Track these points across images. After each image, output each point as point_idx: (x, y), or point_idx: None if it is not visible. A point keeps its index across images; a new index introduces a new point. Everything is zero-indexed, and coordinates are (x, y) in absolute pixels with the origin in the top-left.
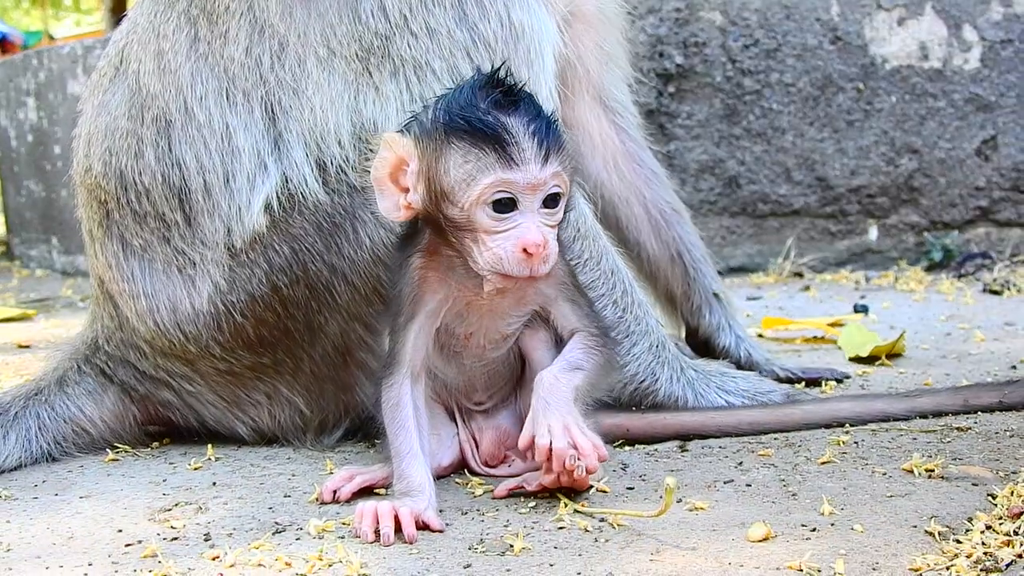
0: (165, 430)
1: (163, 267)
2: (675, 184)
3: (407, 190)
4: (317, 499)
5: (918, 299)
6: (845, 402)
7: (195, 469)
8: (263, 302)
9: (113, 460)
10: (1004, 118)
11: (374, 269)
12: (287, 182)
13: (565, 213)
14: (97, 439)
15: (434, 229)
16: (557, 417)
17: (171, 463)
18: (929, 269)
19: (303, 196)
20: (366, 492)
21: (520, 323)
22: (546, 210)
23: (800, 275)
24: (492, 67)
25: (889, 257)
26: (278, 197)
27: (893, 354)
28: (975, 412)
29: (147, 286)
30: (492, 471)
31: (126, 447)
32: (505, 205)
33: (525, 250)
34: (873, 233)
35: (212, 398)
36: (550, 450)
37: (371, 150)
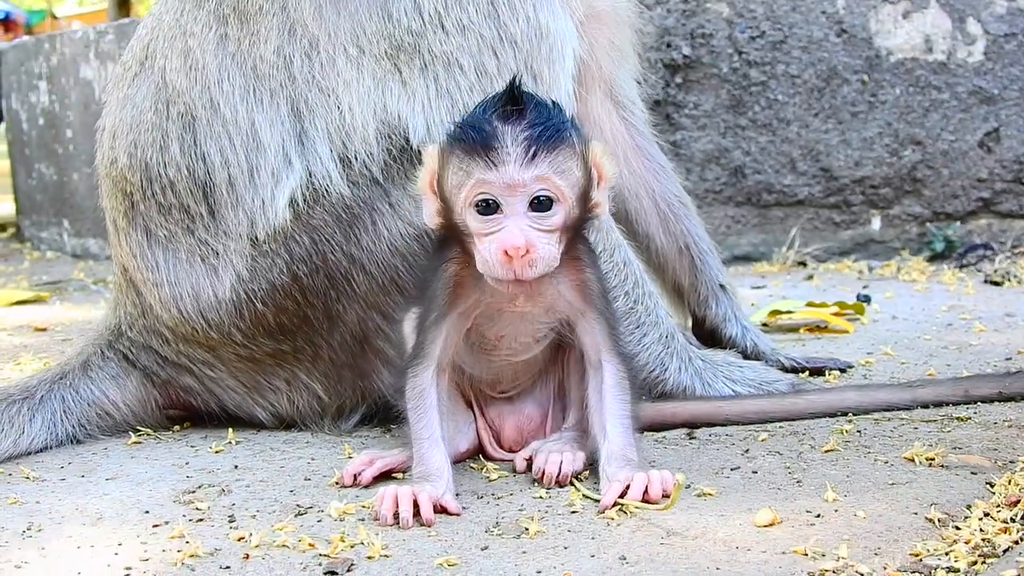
0: (186, 414)
1: (186, 256)
2: (681, 174)
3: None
4: (338, 483)
5: (920, 289)
6: (849, 392)
7: (217, 452)
8: (283, 291)
9: (136, 443)
10: (1007, 111)
11: (391, 260)
12: (311, 177)
13: (588, 219)
14: (120, 422)
15: (453, 232)
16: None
17: (193, 446)
18: (931, 259)
19: (326, 190)
20: (385, 476)
21: (549, 329)
22: (535, 214)
23: (804, 264)
24: (514, 74)
25: (892, 247)
26: (302, 191)
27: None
28: (975, 403)
29: (170, 275)
30: (512, 456)
31: (148, 430)
32: (489, 207)
33: (506, 252)
34: (876, 223)
35: (232, 383)
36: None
37: (393, 147)
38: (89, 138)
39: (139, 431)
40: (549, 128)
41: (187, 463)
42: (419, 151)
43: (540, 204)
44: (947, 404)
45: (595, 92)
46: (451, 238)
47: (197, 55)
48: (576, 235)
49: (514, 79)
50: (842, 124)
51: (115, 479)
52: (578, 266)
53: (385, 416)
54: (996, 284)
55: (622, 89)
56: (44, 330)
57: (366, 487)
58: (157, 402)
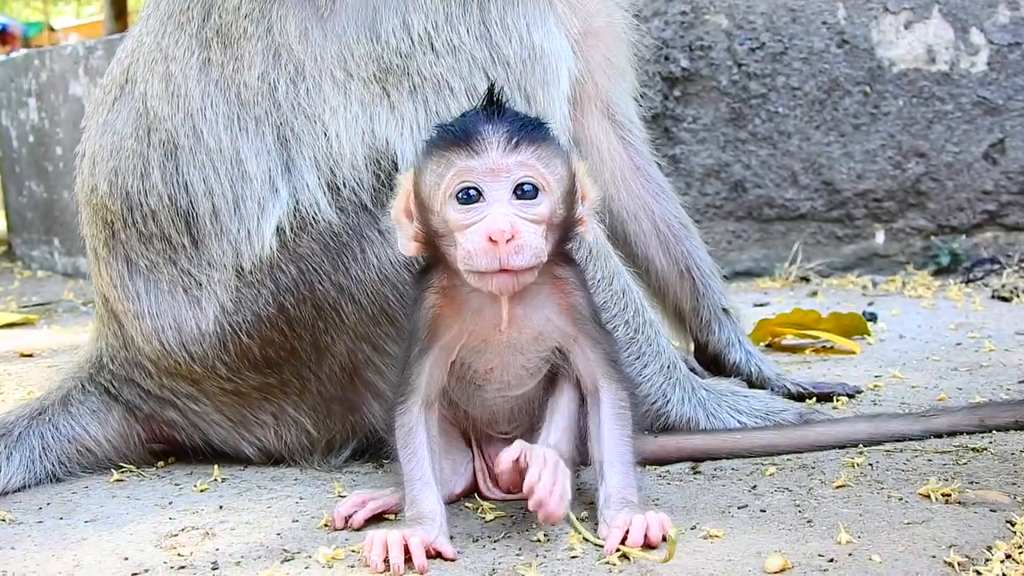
0: (170, 449)
1: (169, 287)
2: (680, 189)
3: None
4: (327, 525)
5: (927, 305)
6: (860, 423)
7: (201, 491)
8: (269, 322)
9: (118, 481)
10: (1012, 121)
11: (381, 288)
12: (298, 205)
13: (572, 234)
14: (102, 459)
15: (436, 256)
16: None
17: (177, 484)
18: (936, 274)
19: (314, 218)
20: (378, 518)
21: (542, 361)
22: (520, 202)
23: (807, 280)
24: (495, 88)
25: (896, 261)
26: (289, 220)
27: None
28: (991, 431)
29: (152, 306)
30: (510, 497)
31: (131, 467)
32: (470, 197)
33: (491, 239)
34: (880, 237)
35: (218, 418)
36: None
37: (382, 172)
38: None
39: (121, 467)
40: (531, 123)
41: (170, 503)
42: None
43: (525, 192)
44: (962, 433)
45: (591, 112)
46: (431, 266)
47: (179, 80)
48: (562, 252)
49: (492, 86)
50: (844, 136)
51: (94, 521)
52: (565, 288)
53: (377, 451)
54: (1004, 300)
55: (619, 108)
56: (30, 356)
57: (357, 530)
58: (140, 437)
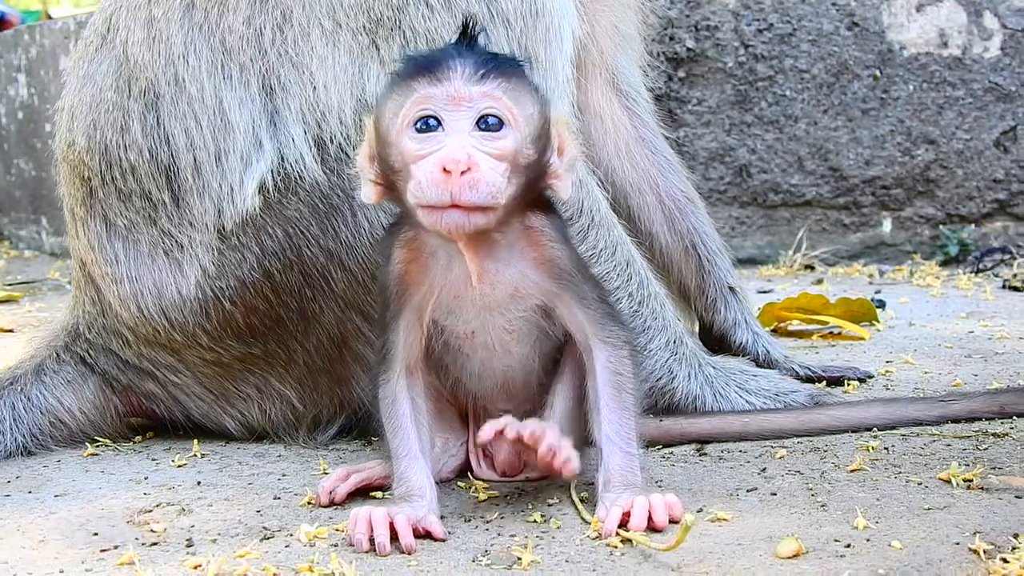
0: (148, 423)
1: (148, 249)
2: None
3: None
4: (311, 502)
5: (936, 295)
6: (875, 407)
7: (179, 467)
8: (254, 288)
9: (92, 455)
10: None
11: (373, 255)
12: (283, 161)
13: (543, 183)
14: (76, 432)
15: (399, 204)
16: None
17: (154, 459)
18: (944, 264)
19: (300, 176)
20: (364, 492)
21: (525, 322)
22: (482, 133)
23: (812, 268)
24: (471, 23)
25: (903, 251)
26: (273, 177)
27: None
28: (1011, 418)
29: (131, 269)
30: (504, 479)
31: (106, 441)
32: (429, 126)
33: (445, 169)
34: (887, 226)
35: (199, 390)
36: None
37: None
38: None
39: (96, 441)
40: (503, 57)
41: (146, 478)
42: None
43: (488, 125)
44: (981, 419)
45: (596, 79)
46: (400, 219)
47: (161, 26)
48: (539, 204)
49: (467, 20)
50: (852, 121)
51: (65, 496)
52: (539, 240)
53: (365, 428)
54: (1016, 290)
55: (625, 77)
56: (11, 331)
57: (341, 505)
58: (117, 409)
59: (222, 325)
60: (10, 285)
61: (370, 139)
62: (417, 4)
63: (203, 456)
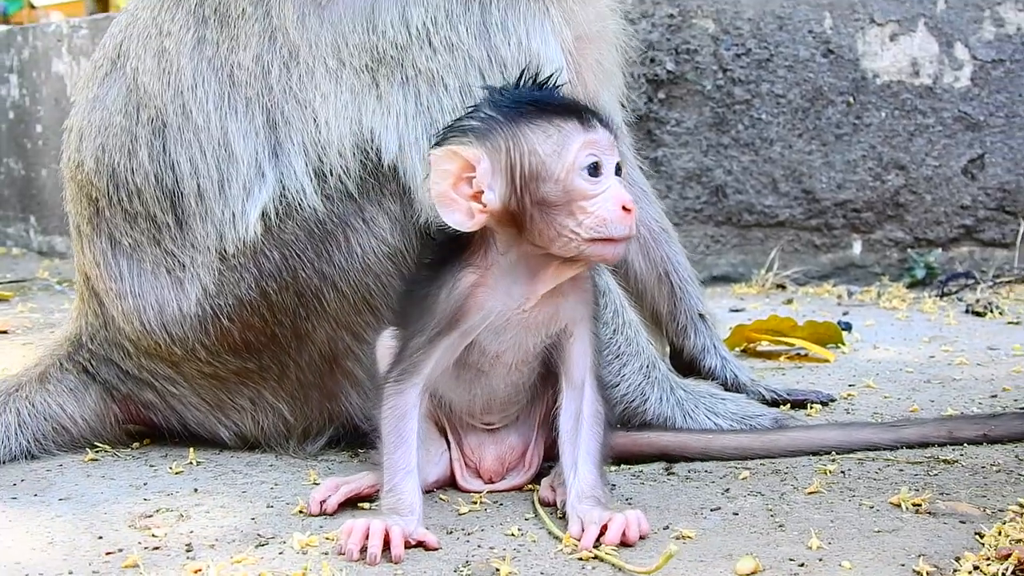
0: (146, 430)
1: (152, 268)
2: (661, 191)
3: (478, 195)
4: (302, 511)
5: (901, 318)
6: (831, 431)
7: (176, 474)
8: (251, 307)
9: (93, 460)
10: (992, 137)
11: (364, 278)
12: (284, 190)
13: None
14: (77, 437)
15: (506, 227)
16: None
17: (152, 466)
18: (911, 286)
19: (299, 205)
20: (352, 502)
21: (546, 343)
22: (617, 179)
23: (783, 287)
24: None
25: (872, 272)
26: (274, 205)
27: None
28: (960, 444)
29: (135, 286)
30: (493, 486)
31: (106, 446)
32: (595, 168)
33: (624, 207)
34: (857, 248)
35: (195, 401)
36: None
37: (367, 161)
38: (59, 134)
39: (97, 447)
40: None
41: (145, 484)
42: (392, 167)
43: (618, 171)
44: (932, 445)
45: None
46: (477, 242)
47: (172, 57)
48: None
49: (523, 72)
50: (826, 146)
51: (69, 499)
52: (584, 271)
53: (353, 440)
54: (978, 315)
55: (605, 110)
56: (5, 332)
57: (331, 515)
58: (116, 417)
59: (220, 340)
60: (0, 284)
61: (458, 174)
62: (421, 45)
63: (199, 464)
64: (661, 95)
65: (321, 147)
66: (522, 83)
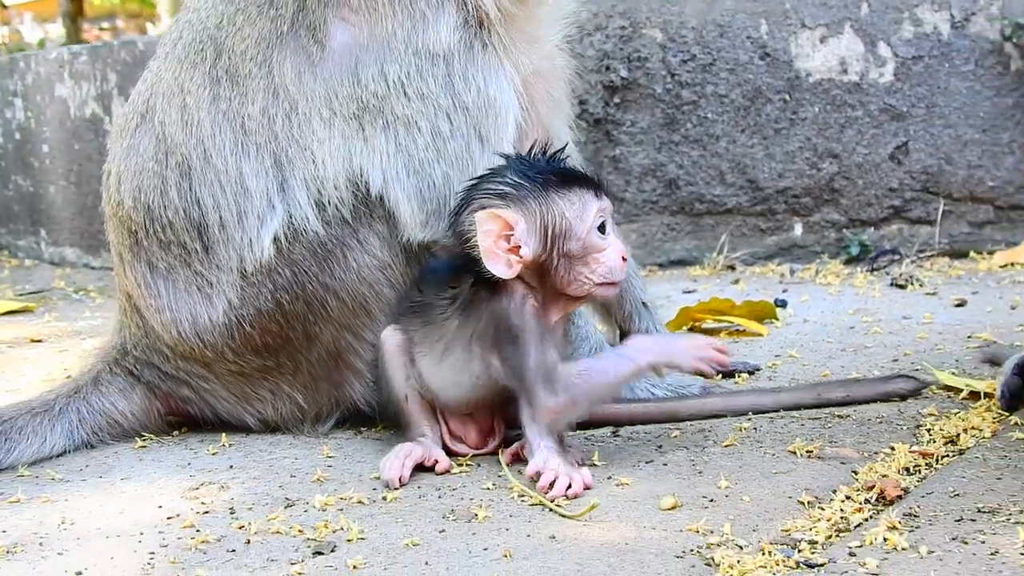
0: (183, 420)
1: (184, 286)
2: (620, 186)
3: (515, 249)
4: (319, 479)
5: (833, 292)
6: (715, 399)
7: (213, 454)
8: (268, 315)
9: (142, 447)
10: (915, 126)
11: (360, 287)
12: (291, 219)
13: None
14: (127, 429)
15: (532, 273)
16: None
17: (192, 449)
18: (847, 262)
19: (304, 230)
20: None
21: None
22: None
23: (732, 268)
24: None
25: (813, 251)
26: (284, 231)
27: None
28: (826, 406)
29: (171, 301)
30: (475, 451)
31: (152, 436)
32: (603, 227)
33: (623, 258)
34: (798, 230)
35: (225, 394)
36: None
37: (358, 192)
38: (64, 153)
39: (144, 436)
40: None
41: (189, 463)
42: (379, 197)
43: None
44: (804, 407)
45: (533, 137)
46: (505, 282)
47: (193, 111)
48: None
49: (543, 147)
50: (766, 139)
51: (129, 479)
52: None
53: (356, 421)
54: (901, 287)
55: (557, 134)
56: (40, 341)
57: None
58: (159, 411)
59: (244, 344)
60: (21, 296)
61: (498, 232)
62: (397, 95)
63: (231, 446)
64: (617, 99)
65: (320, 182)
66: (534, 154)
